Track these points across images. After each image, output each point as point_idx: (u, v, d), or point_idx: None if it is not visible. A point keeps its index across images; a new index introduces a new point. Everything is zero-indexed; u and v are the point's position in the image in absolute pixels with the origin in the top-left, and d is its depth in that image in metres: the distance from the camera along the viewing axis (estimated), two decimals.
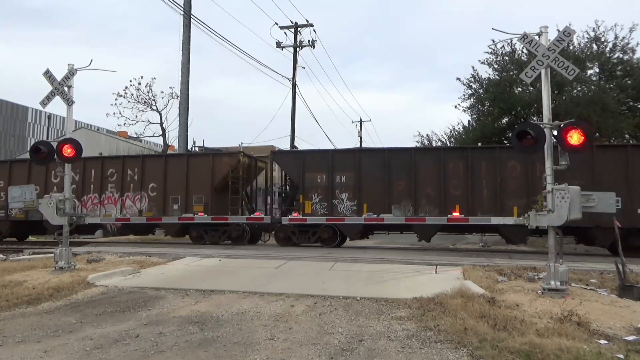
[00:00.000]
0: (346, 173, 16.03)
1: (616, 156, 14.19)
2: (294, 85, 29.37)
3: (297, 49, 29.73)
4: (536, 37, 7.29)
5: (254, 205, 19.82)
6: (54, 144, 9.65)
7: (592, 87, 22.48)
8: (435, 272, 9.41)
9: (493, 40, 33.87)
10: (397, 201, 15.43)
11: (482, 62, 25.41)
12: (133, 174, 17.92)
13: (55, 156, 9.46)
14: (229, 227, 17.04)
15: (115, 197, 17.97)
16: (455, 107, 27.27)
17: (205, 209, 17.01)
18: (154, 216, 17.50)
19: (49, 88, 9.86)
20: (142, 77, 34.97)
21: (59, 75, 9.86)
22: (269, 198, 19.02)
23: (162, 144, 29.50)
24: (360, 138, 50.76)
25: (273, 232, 17.44)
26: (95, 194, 18.12)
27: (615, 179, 13.57)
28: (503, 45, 23.73)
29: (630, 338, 4.95)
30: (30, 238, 20.88)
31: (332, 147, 16.24)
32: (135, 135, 32.76)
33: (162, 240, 19.88)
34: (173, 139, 28.54)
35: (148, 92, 28.02)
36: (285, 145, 43.94)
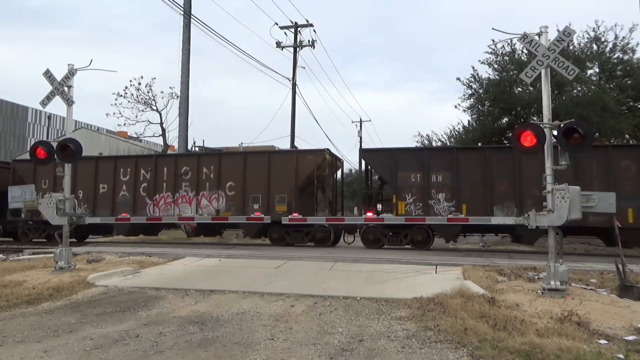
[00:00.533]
0: (443, 172, 15.36)
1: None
2: (294, 85, 29.39)
3: (297, 49, 29.78)
4: (536, 37, 7.29)
5: (335, 205, 19.10)
6: (54, 144, 9.66)
7: (592, 87, 22.45)
8: (435, 272, 9.41)
9: (493, 40, 33.91)
10: (499, 202, 14.86)
11: (482, 62, 25.41)
12: (209, 172, 17.35)
13: (55, 156, 9.46)
14: (312, 228, 16.40)
15: (189, 196, 17.44)
16: (455, 107, 27.27)
17: (289, 209, 16.44)
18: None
19: (49, 88, 9.87)
20: (142, 77, 35.09)
21: (59, 75, 9.87)
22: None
23: (162, 144, 29.53)
24: (360, 138, 50.83)
25: (358, 233, 16.61)
26: (169, 192, 17.66)
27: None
28: (503, 45, 23.74)
29: (630, 338, 4.95)
30: (91, 238, 19.81)
31: (428, 146, 15.59)
32: (135, 135, 32.80)
33: (162, 241, 19.89)
34: (173, 139, 28.62)
35: (148, 92, 28.11)
36: (285, 145, 43.88)
